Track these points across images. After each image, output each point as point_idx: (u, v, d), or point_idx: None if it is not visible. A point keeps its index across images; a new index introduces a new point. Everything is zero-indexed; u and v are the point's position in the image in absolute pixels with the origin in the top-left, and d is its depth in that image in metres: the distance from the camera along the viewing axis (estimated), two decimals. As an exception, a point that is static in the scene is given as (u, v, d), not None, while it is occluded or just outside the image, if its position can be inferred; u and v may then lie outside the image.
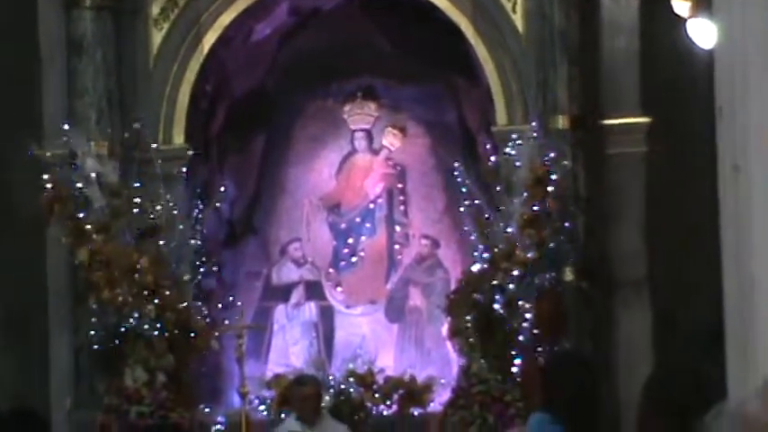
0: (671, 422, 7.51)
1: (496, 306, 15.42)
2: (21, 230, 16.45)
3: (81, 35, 16.12)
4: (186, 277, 16.15)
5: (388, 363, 16.73)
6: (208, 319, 16.30)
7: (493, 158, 15.85)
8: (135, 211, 15.90)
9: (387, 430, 13.44)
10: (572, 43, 15.76)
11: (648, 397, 8.11)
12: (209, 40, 16.37)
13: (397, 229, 17.45)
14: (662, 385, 8.15)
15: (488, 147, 15.84)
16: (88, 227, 15.74)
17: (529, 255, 15.29)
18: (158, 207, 15.94)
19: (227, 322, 16.55)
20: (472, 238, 15.99)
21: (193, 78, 16.33)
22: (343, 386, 15.92)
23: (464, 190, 16.22)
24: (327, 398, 15.42)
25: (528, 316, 15.27)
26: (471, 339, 15.67)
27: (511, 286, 15.31)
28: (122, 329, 15.66)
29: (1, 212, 16.50)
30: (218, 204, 16.82)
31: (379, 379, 16.28)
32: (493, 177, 15.77)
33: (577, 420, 11.55)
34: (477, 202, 15.90)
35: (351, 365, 16.50)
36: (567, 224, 15.38)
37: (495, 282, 15.43)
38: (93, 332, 15.77)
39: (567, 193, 15.41)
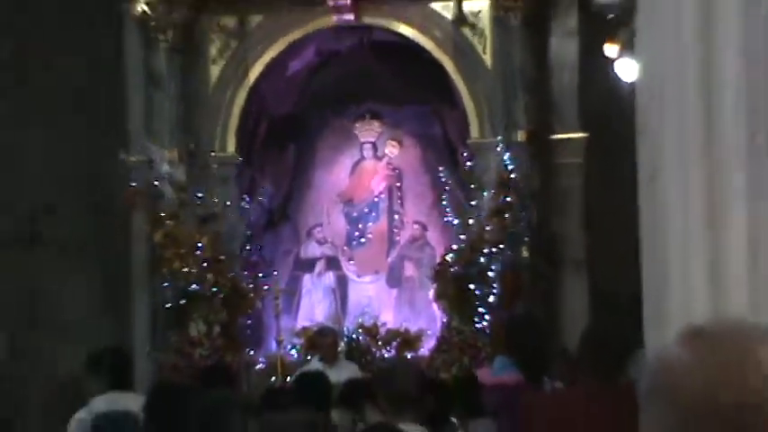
0: (601, 361, 7.52)
1: (470, 276, 15.50)
2: (112, 218, 16.44)
3: (158, 70, 16.13)
4: (236, 253, 16.22)
5: (388, 318, 16.80)
6: (252, 285, 16.37)
7: (468, 164, 15.91)
8: (197, 203, 15.98)
9: (387, 372, 13.49)
10: (528, 77, 15.77)
11: (583, 344, 8.14)
12: (254, 74, 16.34)
13: (396, 217, 17.44)
14: (594, 336, 8.19)
15: (465, 155, 15.81)
16: (162, 214, 15.83)
17: (495, 238, 15.38)
18: (215, 200, 16.04)
19: (266, 287, 16.58)
20: (453, 224, 16.02)
21: (242, 103, 16.33)
22: (354, 336, 16.04)
23: (447, 188, 16.37)
24: (342, 344, 15.46)
25: (494, 284, 15.35)
26: (451, 301, 15.76)
27: (482, 260, 15.37)
28: (188, 292, 15.73)
29: (98, 204, 16.45)
30: (260, 198, 16.91)
31: (382, 331, 16.43)
32: (468, 178, 15.87)
33: (529, 363, 11.67)
34: (456, 196, 16.02)
35: (360, 320, 16.67)
36: (523, 214, 15.43)
37: (469, 257, 15.51)
38: (165, 294, 15.87)
39: (524, 191, 15.45)
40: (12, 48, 16.62)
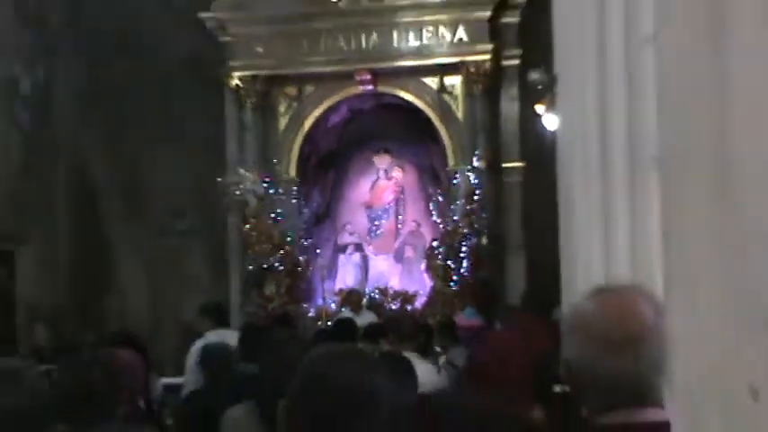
0: (534, 309, 7.52)
1: (448, 256, 15.52)
2: (216, 217, 16.44)
3: (246, 121, 16.15)
4: (295, 241, 16.17)
5: (395, 284, 16.75)
6: (305, 261, 16.38)
7: (449, 182, 15.98)
8: (271, 208, 15.99)
9: (394, 318, 13.48)
10: (486, 126, 15.77)
11: (524, 300, 8.14)
12: (307, 124, 16.40)
13: (399, 217, 17.32)
14: (531, 294, 8.19)
15: (451, 180, 15.79)
16: (248, 215, 15.87)
17: (465, 230, 15.36)
18: (282, 208, 16.04)
19: (315, 262, 16.63)
20: (437, 222, 15.99)
21: (299, 143, 16.39)
22: (372, 295, 16.01)
23: (433, 198, 16.39)
24: (365, 300, 15.41)
25: (464, 261, 15.35)
26: (436, 272, 15.76)
27: (455, 246, 15.40)
28: (264, 266, 15.76)
29: (208, 208, 16.45)
30: (312, 206, 16.89)
31: (390, 292, 16.42)
32: (447, 192, 15.86)
33: (487, 312, 11.69)
34: (439, 204, 16.02)
35: (377, 285, 16.59)
36: (483, 216, 15.42)
37: (448, 243, 15.54)
38: (250, 267, 15.87)
39: (483, 201, 15.46)
40: (156, 106, 16.60)
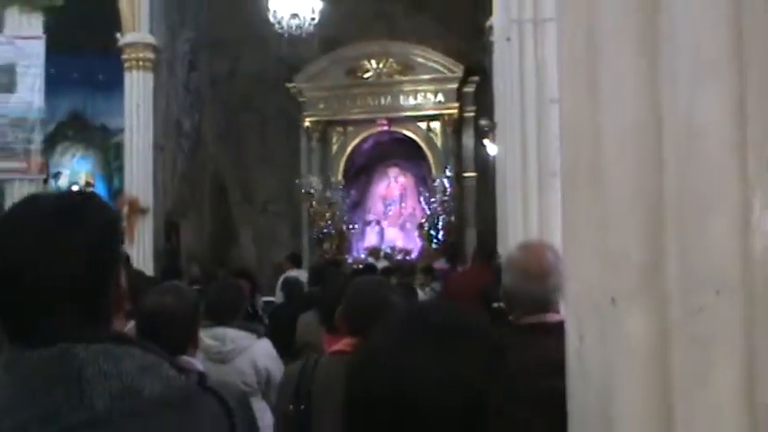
0: (482, 256, 7.48)
1: (431, 228, 15.48)
2: (294, 206, 16.37)
3: (312, 147, 16.10)
4: (342, 218, 16.09)
5: (399, 244, 16.55)
6: (348, 230, 16.30)
7: (434, 184, 15.75)
8: (327, 199, 15.92)
9: (399, 263, 13.46)
10: (454, 151, 15.69)
11: (475, 251, 8.02)
12: (349, 149, 16.31)
13: (402, 205, 17.05)
14: (479, 250, 8.09)
15: (433, 182, 15.62)
16: (314, 203, 15.84)
17: (441, 213, 15.33)
18: (333, 199, 15.95)
19: (352, 231, 16.51)
20: (425, 207, 15.86)
21: (344, 161, 16.24)
22: (387, 251, 15.92)
23: (423, 194, 16.23)
24: (382, 253, 15.44)
25: (440, 231, 15.32)
26: (424, 237, 15.73)
27: (435, 222, 15.34)
28: (323, 233, 15.74)
29: (287, 200, 16.39)
30: (350, 197, 16.75)
31: (397, 249, 16.24)
32: (431, 190, 15.76)
33: (453, 261, 11.55)
34: (427, 197, 15.87)
35: (389, 245, 16.40)
36: (452, 204, 15.42)
37: (431, 220, 15.48)
38: (315, 234, 15.83)
39: (452, 196, 15.40)
40: (260, 138, 16.58)
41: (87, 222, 1.19)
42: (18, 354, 1.14)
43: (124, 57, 12.82)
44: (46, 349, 1.13)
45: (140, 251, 12.42)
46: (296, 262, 10.70)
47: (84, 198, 1.24)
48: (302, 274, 8.86)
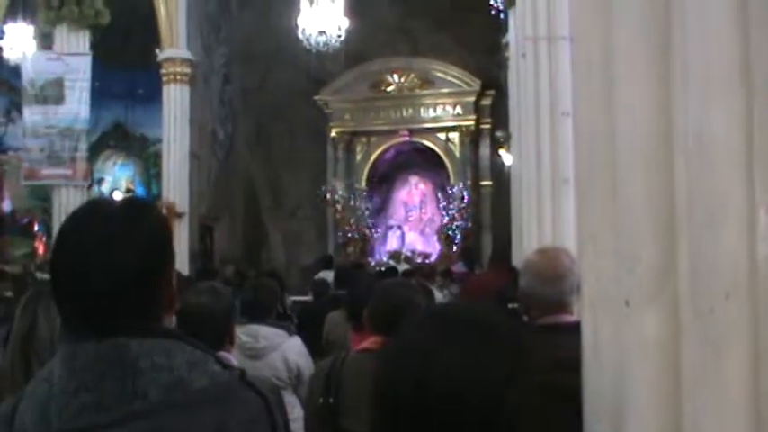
0: (499, 260, 7.42)
1: (450, 233, 15.44)
2: (320, 211, 16.35)
3: (338, 156, 16.10)
4: (366, 223, 16.08)
5: (419, 248, 16.48)
6: (371, 234, 16.28)
7: (449, 192, 15.68)
8: (351, 204, 15.91)
9: (419, 266, 13.43)
10: (471, 160, 15.62)
11: (492, 256, 7.96)
12: (372, 158, 16.28)
13: (422, 210, 16.97)
14: (494, 254, 8.02)
15: (451, 190, 15.53)
16: (339, 207, 15.85)
17: (459, 219, 15.29)
18: (357, 205, 15.93)
19: (375, 235, 16.46)
20: (444, 213, 15.80)
21: (368, 169, 16.24)
22: (407, 254, 15.87)
23: (441, 201, 16.14)
24: (402, 256, 15.41)
25: (457, 236, 15.28)
26: (443, 241, 15.69)
27: (454, 226, 15.30)
28: (348, 236, 15.73)
29: (314, 205, 16.37)
30: (373, 203, 16.71)
31: (417, 252, 16.18)
32: (450, 197, 15.70)
33: (471, 265, 11.48)
34: (446, 204, 15.82)
35: (409, 249, 16.34)
36: (470, 211, 15.37)
37: (450, 225, 15.44)
38: (339, 238, 15.83)
39: (470, 203, 15.35)
40: (290, 147, 16.58)
41: (144, 226, 1.23)
42: (76, 346, 1.17)
43: (163, 71, 13.02)
44: (102, 343, 1.16)
45: (177, 253, 12.43)
46: (327, 264, 10.72)
47: (141, 204, 1.29)
48: (330, 275, 8.85)
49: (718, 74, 1.07)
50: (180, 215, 12.78)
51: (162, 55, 13.02)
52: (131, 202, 1.31)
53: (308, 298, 9.14)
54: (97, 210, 1.25)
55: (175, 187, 12.86)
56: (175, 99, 12.92)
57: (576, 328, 1.42)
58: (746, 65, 1.06)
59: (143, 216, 1.24)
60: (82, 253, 1.18)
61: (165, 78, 13.00)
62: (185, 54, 13.11)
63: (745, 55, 1.06)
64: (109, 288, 1.16)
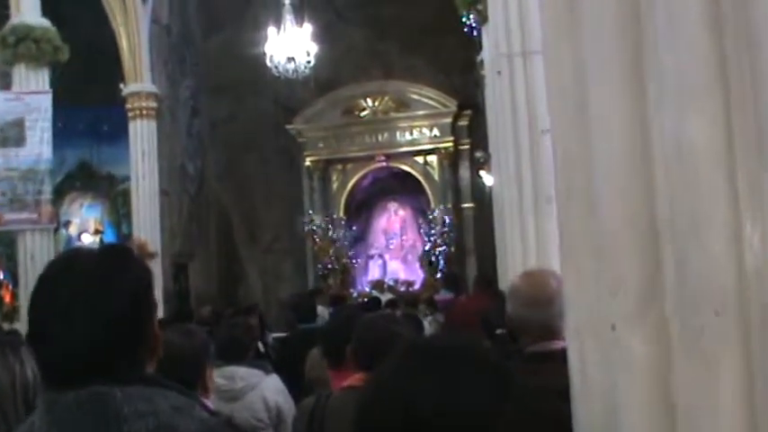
0: (482, 285, 7.43)
1: (432, 259, 15.44)
2: (298, 242, 16.34)
3: (313, 186, 16.13)
4: (345, 253, 16.06)
5: (402, 276, 16.47)
6: (351, 263, 16.25)
7: (430, 217, 15.74)
8: (329, 235, 15.89)
9: (402, 295, 13.40)
10: (451, 184, 15.68)
11: (476, 280, 7.98)
12: (349, 186, 16.30)
13: (403, 237, 16.96)
14: (479, 278, 8.04)
15: (430, 215, 15.58)
16: (317, 240, 15.81)
17: (441, 244, 15.31)
18: (335, 235, 15.91)
19: (355, 265, 16.45)
20: (426, 240, 15.81)
21: (345, 197, 16.22)
22: (390, 283, 15.81)
23: (422, 226, 16.21)
24: (386, 286, 15.35)
25: (440, 262, 15.28)
26: (426, 269, 15.68)
27: (436, 252, 15.32)
28: (328, 268, 15.68)
29: (291, 237, 16.35)
30: (353, 232, 16.68)
31: (400, 281, 16.16)
32: (431, 222, 15.74)
33: (456, 290, 11.49)
34: (426, 229, 15.85)
35: (392, 278, 16.30)
36: (452, 235, 15.39)
37: (432, 251, 15.46)
38: (320, 269, 15.78)
39: (451, 227, 15.37)
40: (263, 179, 16.58)
41: (124, 277, 1.26)
42: (57, 395, 1.20)
43: (128, 106, 12.97)
44: (83, 391, 1.19)
45: (150, 294, 12.39)
46: (309, 299, 10.61)
47: (118, 253, 1.32)
48: (322, 310, 8.76)
49: (694, 80, 1.07)
50: (152, 255, 12.66)
51: (126, 89, 13.01)
52: (109, 252, 1.33)
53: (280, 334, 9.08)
54: (74, 262, 1.28)
55: (146, 226, 12.79)
56: (142, 135, 12.88)
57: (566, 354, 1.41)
58: (722, 69, 1.06)
59: (121, 266, 1.27)
60: (60, 307, 1.21)
61: (130, 114, 12.97)
62: (150, 87, 13.09)
63: (720, 60, 1.06)
64: (88, 342, 1.19)
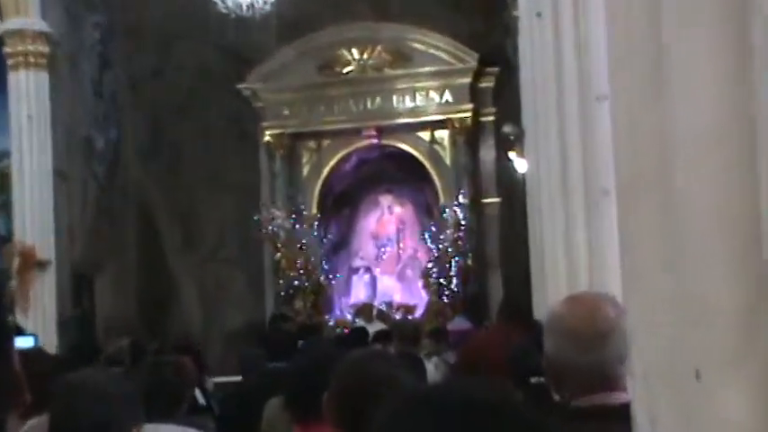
0: (508, 314, 7.46)
1: (441, 275, 15.51)
2: (254, 246, 16.37)
3: (275, 169, 16.23)
4: (317, 265, 16.11)
5: (397, 298, 16.54)
6: (327, 281, 16.33)
7: (442, 215, 15.87)
8: (297, 239, 15.96)
9: (398, 325, 13.43)
10: (469, 169, 15.77)
11: (501, 307, 8.05)
12: (325, 171, 16.39)
13: (400, 245, 17.04)
14: (506, 302, 8.10)
15: (441, 213, 15.68)
16: (279, 245, 15.83)
17: (454, 254, 15.35)
18: (306, 239, 15.96)
19: (333, 282, 16.50)
20: (431, 247, 15.89)
21: (319, 187, 16.34)
22: (380, 308, 15.76)
23: (427, 229, 16.28)
24: (374, 312, 15.34)
25: (454, 279, 15.34)
26: (430, 288, 15.72)
27: (447, 266, 15.38)
28: (293, 285, 15.71)
29: (247, 240, 16.40)
30: (330, 237, 16.75)
31: (395, 304, 16.19)
32: (439, 223, 15.82)
33: (477, 318, 11.57)
34: (433, 233, 15.91)
35: (383, 300, 16.32)
36: (470, 243, 15.45)
37: (441, 265, 15.51)
38: (282, 286, 15.83)
39: (468, 229, 15.43)
40: (204, 160, 16.67)
41: None
42: None
43: (6, 51, 12.78)
44: None
45: (39, 320, 12.36)
46: (273, 328, 10.71)
47: None
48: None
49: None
50: (43, 264, 12.63)
51: (3, 26, 12.81)
52: None
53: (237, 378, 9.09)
54: None
55: (34, 222, 12.73)
56: (28, 92, 12.74)
57: (629, 411, 1.43)
58: None
59: None
60: None
61: (10, 61, 12.79)
62: (40, 25, 12.93)
63: None
64: None
